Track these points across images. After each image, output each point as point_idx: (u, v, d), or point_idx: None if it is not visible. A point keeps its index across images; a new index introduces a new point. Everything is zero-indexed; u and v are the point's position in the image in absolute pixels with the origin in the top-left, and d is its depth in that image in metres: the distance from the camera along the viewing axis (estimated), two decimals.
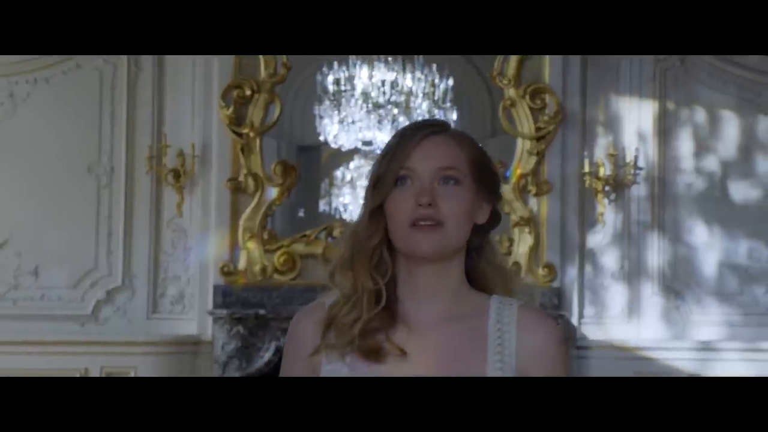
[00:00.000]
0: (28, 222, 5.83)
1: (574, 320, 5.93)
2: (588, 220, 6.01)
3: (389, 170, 1.64)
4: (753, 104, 6.03)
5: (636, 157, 5.94)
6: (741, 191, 6.02)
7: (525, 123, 5.96)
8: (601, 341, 5.88)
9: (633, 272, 5.99)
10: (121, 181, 5.89)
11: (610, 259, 6.00)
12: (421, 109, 6.41)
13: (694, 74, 6.04)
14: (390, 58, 6.33)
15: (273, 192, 5.87)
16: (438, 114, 6.40)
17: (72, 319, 5.85)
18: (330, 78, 6.43)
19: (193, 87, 5.91)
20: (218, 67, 5.86)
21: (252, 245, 5.83)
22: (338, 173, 7.05)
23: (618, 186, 5.96)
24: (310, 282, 5.69)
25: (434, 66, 6.41)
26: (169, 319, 5.89)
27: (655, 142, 6.03)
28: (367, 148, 6.61)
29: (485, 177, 1.69)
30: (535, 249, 5.91)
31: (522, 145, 5.96)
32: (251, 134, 5.84)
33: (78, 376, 5.62)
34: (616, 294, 5.99)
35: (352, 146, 6.59)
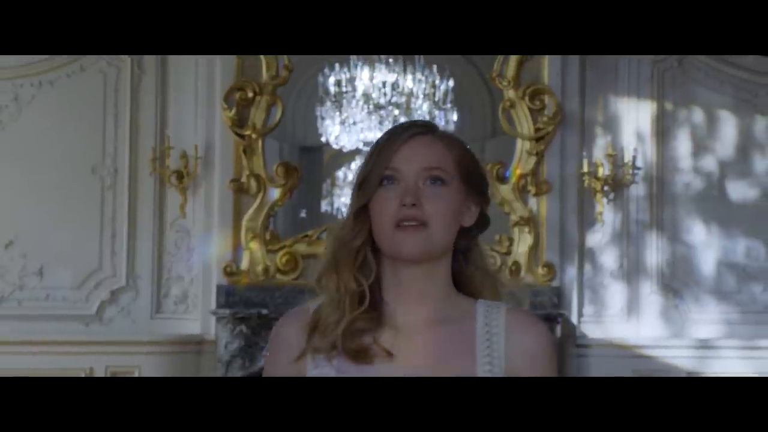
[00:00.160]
0: (32, 223, 5.85)
1: (574, 319, 5.94)
2: (587, 220, 6.03)
3: (374, 170, 1.62)
4: (750, 104, 6.06)
5: (634, 157, 5.95)
6: (738, 191, 6.04)
7: (524, 124, 5.98)
8: (601, 340, 5.89)
9: (632, 271, 6.01)
10: (124, 182, 5.91)
11: (609, 258, 6.02)
12: (422, 110, 6.42)
13: (692, 75, 6.07)
14: (391, 60, 6.33)
15: (275, 193, 5.89)
16: (439, 115, 6.42)
17: (76, 319, 5.87)
18: (331, 79, 6.44)
19: (196, 89, 5.94)
20: (221, 70, 5.89)
21: (254, 246, 5.86)
22: (340, 174, 7.05)
23: (617, 186, 5.98)
24: (312, 282, 5.70)
25: (435, 67, 6.42)
26: (172, 318, 5.92)
27: (654, 142, 6.05)
28: (368, 149, 6.60)
29: (473, 179, 1.66)
30: (534, 248, 5.93)
31: (521, 146, 5.98)
32: (253, 136, 5.87)
33: (83, 375, 5.65)
34: (616, 293, 6.00)
35: (354, 147, 6.58)
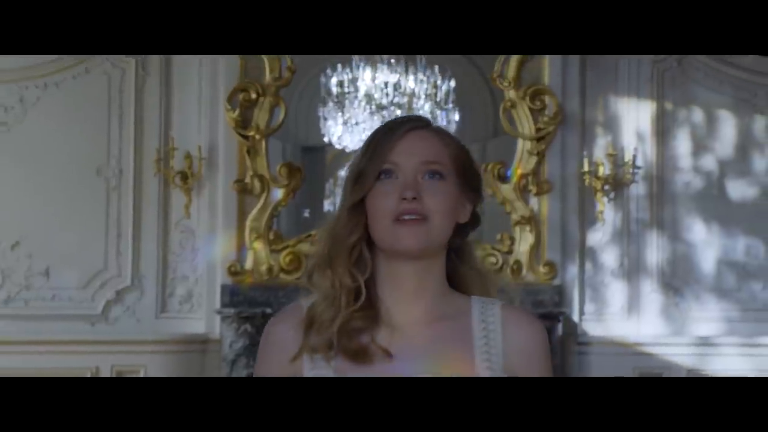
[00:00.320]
0: (38, 224, 5.87)
1: (575, 317, 5.96)
2: (588, 219, 6.04)
3: (371, 164, 1.58)
4: (749, 104, 6.08)
5: (635, 157, 5.97)
6: (738, 189, 6.06)
7: (525, 124, 6.00)
8: (602, 337, 5.91)
9: (632, 269, 6.03)
10: (129, 183, 5.93)
11: (609, 257, 6.04)
12: (424, 110, 6.42)
13: (691, 75, 6.08)
14: (393, 60, 6.34)
15: (279, 193, 5.92)
16: (441, 115, 6.43)
17: (82, 318, 5.89)
18: (334, 80, 6.44)
19: (200, 91, 5.95)
20: (224, 71, 5.91)
21: (258, 245, 5.88)
22: (342, 173, 7.08)
23: (617, 185, 5.99)
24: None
25: (436, 68, 6.42)
26: (177, 318, 5.94)
27: (654, 141, 6.06)
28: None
29: (468, 175, 1.64)
30: (536, 247, 5.95)
31: (522, 146, 6.00)
32: (257, 136, 5.90)
33: (89, 374, 5.68)
34: (616, 291, 6.02)
35: (356, 147, 6.53)
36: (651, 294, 6.03)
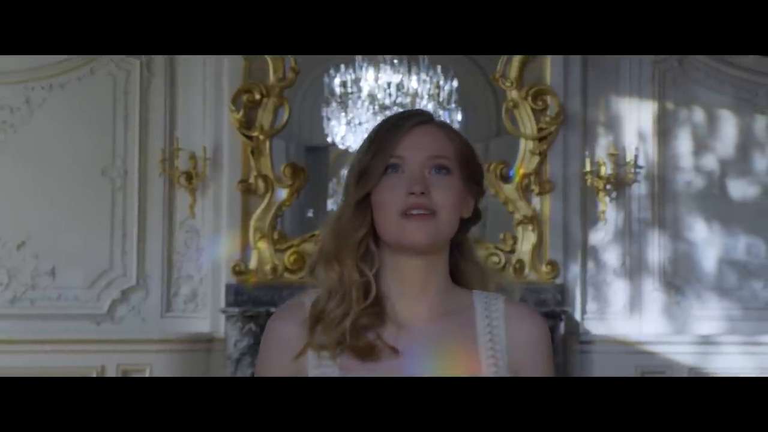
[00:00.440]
0: (44, 224, 5.89)
1: (577, 316, 5.97)
2: (590, 218, 6.06)
3: (377, 159, 1.57)
4: (750, 104, 6.09)
5: (636, 156, 5.98)
6: (739, 189, 6.07)
7: (527, 124, 6.02)
8: (604, 336, 5.91)
9: (634, 268, 6.04)
10: (134, 183, 5.95)
11: (611, 256, 6.05)
12: (427, 111, 6.43)
13: (692, 75, 6.10)
14: (395, 61, 6.36)
15: (283, 193, 5.94)
16: (443, 115, 6.44)
17: (88, 318, 5.92)
18: (337, 80, 6.46)
19: (204, 92, 5.98)
20: (228, 72, 5.93)
21: (263, 245, 5.90)
22: (345, 172, 7.07)
23: (619, 184, 6.01)
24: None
25: (439, 68, 6.43)
26: (182, 317, 5.95)
27: (655, 141, 6.08)
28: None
29: (472, 169, 1.63)
30: (538, 246, 5.97)
31: (525, 146, 6.02)
32: (261, 137, 5.92)
33: (94, 373, 5.71)
34: (618, 290, 6.03)
35: None
36: (653, 293, 6.05)
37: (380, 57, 6.34)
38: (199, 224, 5.98)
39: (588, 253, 6.06)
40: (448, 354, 1.56)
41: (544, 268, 5.95)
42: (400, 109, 6.34)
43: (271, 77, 5.97)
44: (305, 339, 1.57)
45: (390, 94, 6.41)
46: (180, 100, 6.01)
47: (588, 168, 5.96)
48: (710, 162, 6.10)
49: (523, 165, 6.00)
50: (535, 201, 6.02)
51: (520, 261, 5.94)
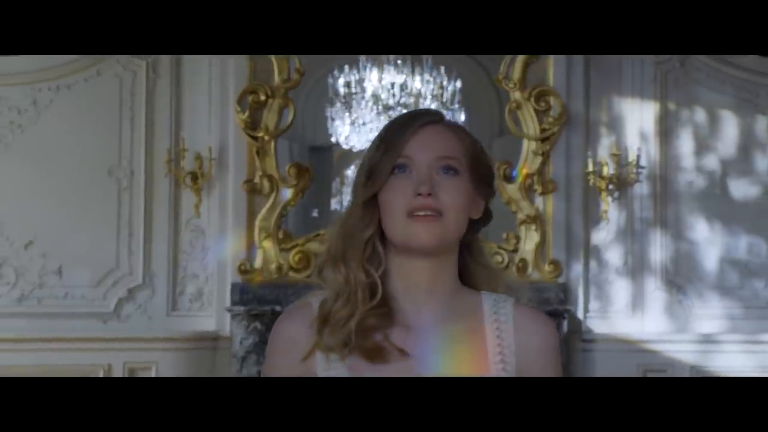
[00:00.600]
0: (51, 224, 5.92)
1: (580, 314, 5.99)
2: (592, 218, 6.07)
3: (385, 159, 1.54)
4: (751, 104, 6.10)
5: (638, 157, 6.00)
6: (740, 189, 6.08)
7: (530, 124, 6.04)
8: (606, 335, 5.93)
9: (636, 268, 6.05)
10: (140, 183, 5.98)
11: (614, 255, 6.07)
12: None
13: (694, 76, 6.11)
14: (399, 61, 6.38)
15: (288, 193, 5.96)
16: (446, 115, 6.43)
17: (95, 316, 5.95)
18: (341, 81, 6.48)
19: (210, 92, 6.00)
20: (234, 73, 5.96)
21: (268, 244, 5.93)
22: (349, 172, 7.05)
23: (621, 184, 6.02)
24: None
25: (442, 68, 6.45)
26: (188, 316, 5.98)
27: (657, 141, 6.09)
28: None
29: (482, 170, 1.60)
30: (541, 246, 5.99)
31: (528, 146, 6.04)
32: (266, 137, 5.95)
33: (101, 371, 5.75)
34: (620, 289, 6.05)
35: (364, 147, 6.55)
36: (655, 292, 6.06)
37: (384, 57, 6.36)
38: (204, 224, 6.01)
39: (590, 252, 6.08)
40: (456, 356, 1.54)
41: (547, 268, 5.97)
42: (404, 110, 6.37)
43: (276, 78, 6.00)
44: (313, 340, 1.54)
45: (393, 95, 6.43)
46: (186, 101, 6.03)
47: (590, 168, 5.98)
48: (712, 162, 6.12)
49: (526, 165, 6.02)
50: (538, 201, 6.04)
51: (523, 260, 5.97)
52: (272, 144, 5.99)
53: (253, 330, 5.78)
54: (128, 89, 6.02)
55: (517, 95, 6.07)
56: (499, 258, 5.93)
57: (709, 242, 6.09)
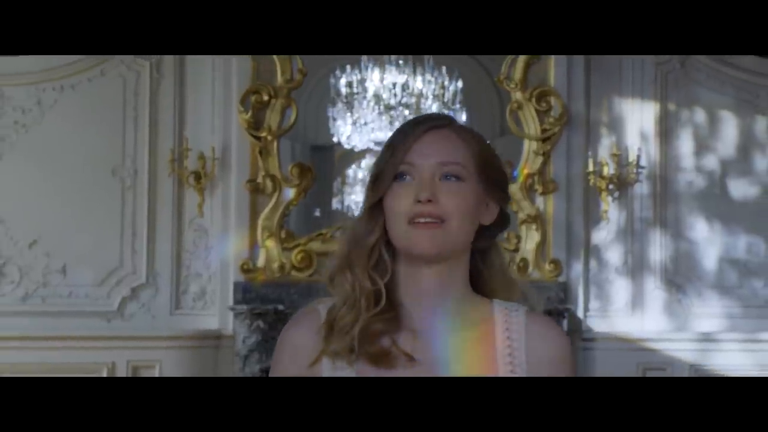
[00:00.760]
0: (56, 223, 5.95)
1: (580, 313, 6.02)
2: (592, 218, 6.10)
3: (389, 165, 1.53)
4: (751, 105, 6.13)
5: (638, 157, 6.02)
6: (740, 189, 6.11)
7: (531, 125, 6.06)
8: (606, 333, 5.95)
9: (636, 267, 6.08)
10: (144, 183, 6.00)
11: (614, 255, 6.09)
12: (431, 111, 6.46)
13: (694, 76, 6.13)
14: (401, 61, 6.39)
15: (290, 192, 5.99)
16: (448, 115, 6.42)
17: (99, 315, 5.97)
18: (343, 81, 6.49)
19: (213, 93, 6.03)
20: (237, 74, 5.98)
21: (270, 244, 5.96)
22: (350, 171, 7.08)
23: (621, 184, 6.04)
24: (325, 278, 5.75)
25: (444, 68, 6.46)
26: (191, 314, 6.00)
27: (657, 142, 6.12)
28: (379, 148, 6.59)
29: (491, 174, 1.57)
30: (541, 245, 6.02)
31: (529, 146, 6.06)
32: (269, 137, 5.97)
33: (105, 369, 5.78)
34: (620, 288, 6.07)
35: (365, 147, 6.61)
36: (654, 291, 6.09)
37: (385, 58, 6.37)
38: (207, 223, 6.03)
39: (591, 251, 6.11)
40: (464, 363, 1.52)
41: (548, 267, 6.00)
42: (405, 110, 6.39)
43: (279, 78, 6.02)
44: (320, 347, 1.53)
45: (395, 95, 6.43)
46: (189, 101, 6.06)
47: (591, 168, 6.00)
48: (711, 162, 6.14)
49: (527, 165, 6.05)
50: (539, 201, 6.07)
51: (524, 259, 5.99)
52: (275, 144, 6.01)
53: (256, 328, 5.81)
54: (132, 89, 6.04)
55: (518, 95, 6.09)
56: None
57: (709, 242, 6.11)
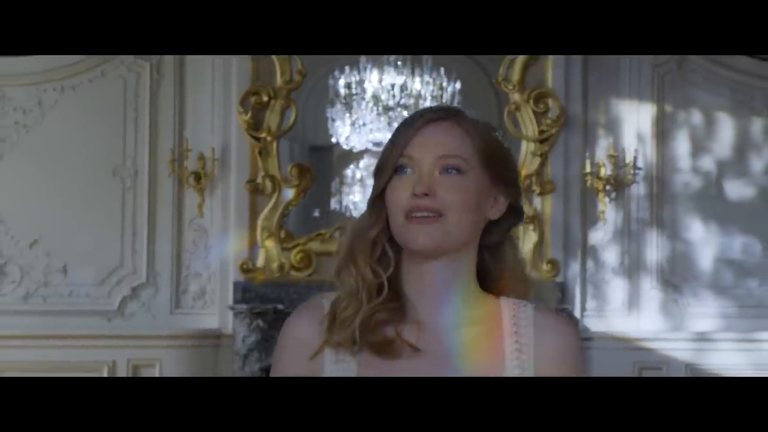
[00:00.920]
0: (56, 223, 5.97)
1: (577, 313, 6.03)
2: (590, 218, 6.11)
3: (388, 158, 1.50)
4: (746, 106, 6.15)
5: (635, 158, 6.03)
6: (736, 189, 6.13)
7: (529, 126, 6.09)
8: (603, 333, 5.97)
9: (633, 267, 6.10)
10: (144, 183, 6.03)
11: (610, 255, 6.11)
12: None
13: (690, 78, 6.15)
14: (399, 62, 6.41)
15: (289, 193, 6.02)
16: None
17: (99, 314, 5.99)
18: (341, 81, 6.50)
19: (213, 94, 6.05)
20: (236, 74, 6.00)
21: (270, 244, 5.98)
22: (348, 172, 7.05)
23: (618, 185, 6.06)
24: (326, 278, 5.75)
25: (442, 69, 6.47)
26: (191, 314, 6.03)
27: (654, 143, 6.13)
28: (377, 149, 6.64)
29: (497, 167, 1.52)
30: (539, 246, 6.04)
31: (526, 147, 6.08)
32: (268, 138, 6.00)
33: (105, 368, 5.81)
34: (617, 288, 6.10)
35: (364, 147, 6.62)
36: (651, 291, 6.11)
37: (384, 59, 6.38)
38: (207, 223, 6.05)
39: (588, 252, 6.13)
40: (470, 356, 1.49)
41: (545, 267, 6.03)
42: (404, 110, 6.40)
43: (279, 79, 6.05)
44: (322, 338, 1.51)
45: (393, 96, 6.44)
46: (189, 102, 6.08)
47: (588, 169, 6.01)
48: (708, 163, 6.16)
49: (525, 166, 6.06)
50: (537, 201, 6.08)
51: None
52: (274, 144, 6.04)
53: (255, 328, 5.84)
54: (132, 90, 6.06)
55: (516, 97, 6.12)
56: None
57: (705, 242, 6.14)
